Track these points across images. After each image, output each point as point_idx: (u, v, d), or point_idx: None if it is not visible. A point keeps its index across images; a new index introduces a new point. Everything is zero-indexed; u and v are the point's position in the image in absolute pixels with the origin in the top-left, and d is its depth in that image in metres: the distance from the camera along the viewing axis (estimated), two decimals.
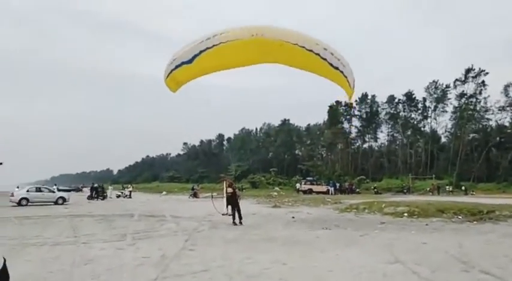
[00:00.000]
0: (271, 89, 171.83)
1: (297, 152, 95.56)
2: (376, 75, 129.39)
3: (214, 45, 11.31)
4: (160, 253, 8.39)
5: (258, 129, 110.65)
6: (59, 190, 36.61)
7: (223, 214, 15.29)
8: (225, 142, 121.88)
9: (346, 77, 12.97)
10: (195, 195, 41.99)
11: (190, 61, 11.87)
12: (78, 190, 72.84)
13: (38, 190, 28.42)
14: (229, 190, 15.35)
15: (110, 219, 16.49)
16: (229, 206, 15.18)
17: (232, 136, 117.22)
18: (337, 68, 12.35)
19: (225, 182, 16.45)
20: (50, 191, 29.27)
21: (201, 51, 11.57)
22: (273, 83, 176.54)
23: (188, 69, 12.30)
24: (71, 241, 10.05)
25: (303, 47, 11.38)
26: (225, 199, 15.56)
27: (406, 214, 17.84)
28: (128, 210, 21.98)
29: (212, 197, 18.72)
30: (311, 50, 11.51)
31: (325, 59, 11.88)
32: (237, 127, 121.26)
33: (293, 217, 17.85)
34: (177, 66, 12.35)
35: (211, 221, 15.67)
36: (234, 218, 14.70)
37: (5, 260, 1.47)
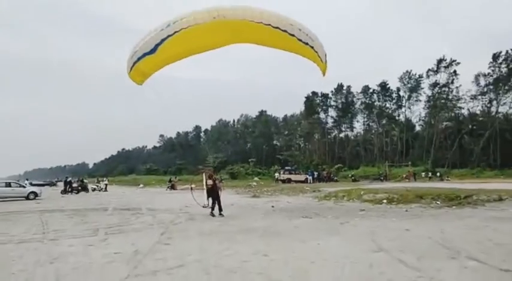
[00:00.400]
0: (247, 81, 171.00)
1: (275, 142, 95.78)
2: (351, 67, 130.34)
3: (175, 32, 10.72)
4: (133, 248, 7.89)
5: (236, 121, 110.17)
6: (32, 185, 35.44)
7: (203, 206, 14.60)
8: (202, 134, 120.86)
9: (316, 52, 12.63)
10: (172, 187, 41.38)
11: (153, 51, 11.21)
12: (52, 184, 71.02)
13: (8, 185, 27.19)
14: (210, 181, 14.62)
15: (82, 214, 15.78)
16: (210, 198, 14.56)
17: (209, 128, 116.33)
18: (306, 44, 12.03)
19: (204, 173, 15.47)
20: (21, 186, 28.08)
21: (162, 40, 10.96)
22: (248, 75, 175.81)
23: (152, 60, 11.61)
24: (38, 238, 9.41)
25: (269, 25, 10.95)
26: (205, 191, 14.75)
27: (385, 201, 17.80)
28: (101, 204, 21.23)
29: (192, 189, 17.44)
30: (277, 27, 11.11)
31: (293, 35, 11.55)
32: (213, 119, 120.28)
33: (272, 206, 17.58)
34: (139, 58, 11.63)
35: (188, 213, 15.19)
36: (212, 210, 14.15)
37: None
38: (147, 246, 8.05)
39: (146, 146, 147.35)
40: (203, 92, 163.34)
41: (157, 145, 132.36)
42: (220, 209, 14.18)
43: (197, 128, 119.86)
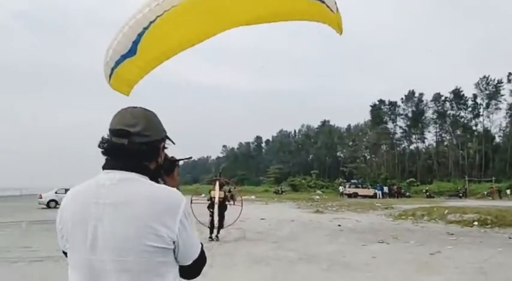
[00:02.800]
0: (308, 90, 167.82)
1: (338, 154, 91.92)
2: (421, 72, 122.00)
3: (151, 22, 8.67)
4: None
5: (297, 131, 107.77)
6: None
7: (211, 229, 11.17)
8: (263, 144, 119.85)
9: (323, 2, 10.09)
10: (231, 197, 39.88)
11: (132, 52, 8.94)
12: None
13: (67, 191, 27.14)
14: (221, 193, 11.51)
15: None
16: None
17: (270, 138, 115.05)
18: None
19: (217, 183, 11.65)
20: None
21: (139, 35, 8.77)
22: (309, 85, 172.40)
23: (134, 64, 9.22)
24: (56, 257, 7.96)
25: None
26: (216, 207, 11.21)
27: (476, 223, 14.83)
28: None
29: (191, 202, 12.15)
30: None
31: None
32: (275, 129, 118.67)
33: (339, 226, 15.20)
34: (117, 63, 9.42)
35: (240, 229, 13.25)
36: (212, 232, 11.04)
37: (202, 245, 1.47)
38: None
39: (210, 156, 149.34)
40: (263, 102, 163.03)
41: (221, 155, 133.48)
42: (219, 228, 11.27)
43: (258, 139, 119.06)
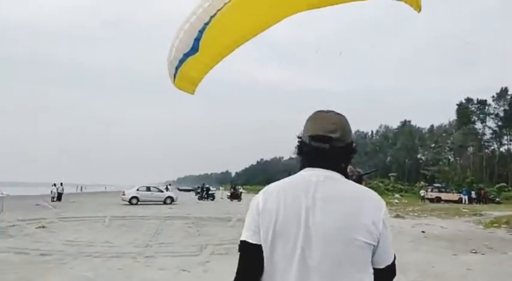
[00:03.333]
0: (386, 88, 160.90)
1: (419, 156, 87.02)
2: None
3: (212, 17, 7.79)
4: None
5: (374, 132, 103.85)
6: (180, 190, 37.31)
7: None
8: None
9: None
10: None
11: (194, 49, 8.21)
12: (196, 190, 75.75)
13: (148, 189, 28.61)
14: None
15: (202, 223, 14.72)
16: None
17: None
18: None
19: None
20: (159, 190, 29.35)
21: (200, 32, 7.96)
22: (387, 82, 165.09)
23: (197, 61, 8.49)
24: (136, 253, 8.17)
25: None
26: None
27: None
28: (229, 213, 20.23)
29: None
30: None
31: None
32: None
33: (423, 232, 14.07)
34: (181, 62, 8.67)
35: None
36: None
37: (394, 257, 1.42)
38: None
39: (282, 157, 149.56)
40: (339, 101, 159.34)
41: (293, 156, 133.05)
42: None
43: None
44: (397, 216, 21.33)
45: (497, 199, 41.70)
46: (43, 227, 12.37)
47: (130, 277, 6.11)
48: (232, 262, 5.16)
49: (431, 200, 38.69)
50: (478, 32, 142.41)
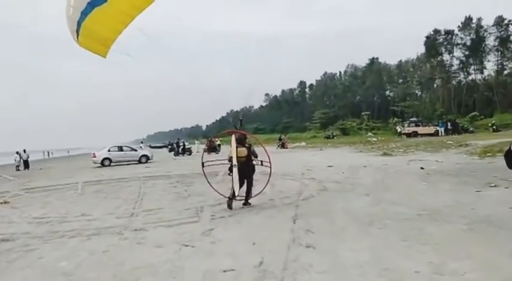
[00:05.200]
0: (351, 27, 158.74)
1: (387, 93, 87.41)
2: None
3: None
4: (255, 256, 4.65)
5: (342, 73, 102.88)
6: (151, 147, 35.69)
7: (230, 198, 7.96)
8: (307, 89, 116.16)
9: None
10: (282, 145, 38.62)
11: None
12: (168, 146, 73.99)
13: (120, 149, 26.71)
14: (242, 151, 8.00)
15: (188, 181, 13.37)
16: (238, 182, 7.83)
17: (314, 83, 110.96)
18: None
19: (233, 136, 8.18)
20: (132, 149, 27.51)
21: None
22: (350, 24, 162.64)
23: (107, 16, 6.14)
24: (120, 226, 6.77)
25: None
26: (235, 170, 7.77)
27: None
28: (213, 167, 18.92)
29: (203, 165, 8.94)
30: None
31: None
32: (318, 73, 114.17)
33: (422, 168, 13.30)
34: (84, 14, 6.19)
35: (314, 180, 11.68)
36: (234, 198, 7.97)
37: None
38: (277, 251, 4.75)
39: (253, 106, 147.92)
40: (305, 46, 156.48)
41: (263, 104, 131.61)
42: (247, 196, 8.23)
43: (302, 84, 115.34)
44: (385, 154, 20.73)
45: (470, 129, 42.25)
46: (5, 203, 10.68)
47: (121, 263, 4.73)
48: (240, 228, 3.64)
49: (408, 135, 38.62)
50: None
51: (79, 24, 6.34)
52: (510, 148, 1.72)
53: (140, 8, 6.05)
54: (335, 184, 10.55)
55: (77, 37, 6.61)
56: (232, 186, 7.83)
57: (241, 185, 7.79)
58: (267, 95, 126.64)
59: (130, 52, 6.88)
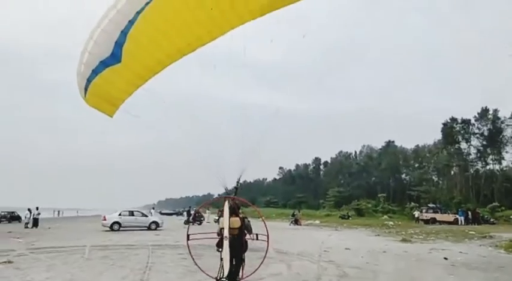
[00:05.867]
0: (367, 108, 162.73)
1: (403, 176, 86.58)
2: (497, 89, 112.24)
3: (138, 13, 5.27)
4: None
5: (358, 152, 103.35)
6: (161, 214, 35.31)
7: (219, 279, 6.76)
8: (321, 166, 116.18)
9: None
10: (296, 222, 37.63)
11: (115, 58, 5.72)
12: (179, 214, 73.30)
13: (131, 214, 26.33)
14: (235, 221, 6.78)
15: (198, 253, 12.79)
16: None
17: (329, 160, 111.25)
18: None
19: (226, 203, 6.84)
20: (143, 215, 27.13)
21: (124, 33, 5.44)
22: (367, 103, 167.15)
23: (118, 76, 6.05)
24: None
25: None
26: (226, 243, 6.53)
27: None
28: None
29: (188, 239, 8.00)
30: None
31: None
32: (334, 151, 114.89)
33: (445, 259, 12.54)
34: (96, 73, 6.04)
35: (333, 263, 11.07)
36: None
37: None
38: None
39: (266, 179, 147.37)
40: (322, 123, 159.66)
41: (277, 177, 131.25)
42: (233, 278, 6.83)
43: (316, 160, 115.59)
44: (404, 240, 19.84)
45: (491, 220, 40.74)
46: (8, 262, 10.30)
47: None
48: None
49: (426, 222, 37.45)
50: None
51: (89, 81, 6.22)
52: None
53: (154, 71, 6.07)
54: (355, 269, 9.94)
55: (85, 94, 6.48)
56: (222, 264, 6.57)
57: (231, 259, 6.58)
58: (281, 168, 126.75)
59: (138, 113, 6.69)
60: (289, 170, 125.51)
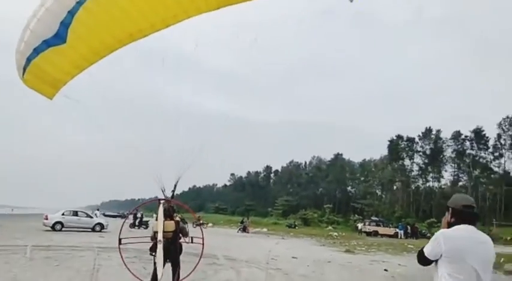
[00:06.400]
0: (320, 121, 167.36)
1: (349, 189, 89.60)
2: (440, 110, 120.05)
3: None
4: None
5: (308, 163, 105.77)
6: (105, 215, 34.18)
7: None
8: (272, 175, 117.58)
9: None
10: (244, 229, 37.81)
11: (59, 38, 5.40)
12: (123, 216, 71.08)
13: (75, 214, 25.27)
14: (170, 224, 6.72)
15: (146, 257, 12.58)
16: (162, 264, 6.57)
17: (279, 169, 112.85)
18: None
19: (160, 206, 6.73)
20: (88, 216, 26.13)
21: (71, 13, 5.16)
22: (320, 116, 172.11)
23: (63, 58, 5.73)
24: None
25: None
26: (160, 247, 6.40)
27: None
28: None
29: (120, 243, 7.36)
30: None
31: None
32: (285, 160, 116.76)
33: (386, 270, 13.19)
34: (37, 52, 5.65)
35: (280, 271, 11.33)
36: None
37: None
38: None
39: (216, 185, 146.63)
40: (276, 132, 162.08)
41: (228, 183, 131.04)
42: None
43: (268, 169, 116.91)
44: (348, 251, 20.57)
45: (428, 234, 43.10)
46: None
47: None
48: None
49: (369, 234, 39.01)
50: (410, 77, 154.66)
51: (29, 60, 5.77)
52: (422, 249, 3.07)
53: (100, 55, 5.82)
54: (302, 278, 10.24)
55: (23, 74, 6.01)
56: (154, 268, 6.47)
57: (164, 262, 6.47)
58: (232, 175, 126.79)
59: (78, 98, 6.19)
60: (240, 177, 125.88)
